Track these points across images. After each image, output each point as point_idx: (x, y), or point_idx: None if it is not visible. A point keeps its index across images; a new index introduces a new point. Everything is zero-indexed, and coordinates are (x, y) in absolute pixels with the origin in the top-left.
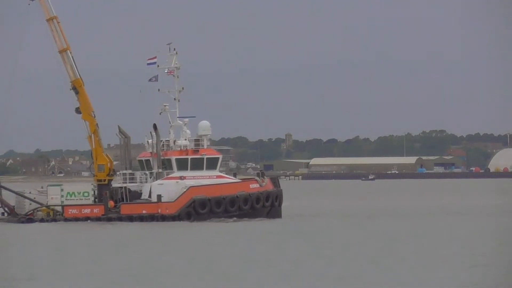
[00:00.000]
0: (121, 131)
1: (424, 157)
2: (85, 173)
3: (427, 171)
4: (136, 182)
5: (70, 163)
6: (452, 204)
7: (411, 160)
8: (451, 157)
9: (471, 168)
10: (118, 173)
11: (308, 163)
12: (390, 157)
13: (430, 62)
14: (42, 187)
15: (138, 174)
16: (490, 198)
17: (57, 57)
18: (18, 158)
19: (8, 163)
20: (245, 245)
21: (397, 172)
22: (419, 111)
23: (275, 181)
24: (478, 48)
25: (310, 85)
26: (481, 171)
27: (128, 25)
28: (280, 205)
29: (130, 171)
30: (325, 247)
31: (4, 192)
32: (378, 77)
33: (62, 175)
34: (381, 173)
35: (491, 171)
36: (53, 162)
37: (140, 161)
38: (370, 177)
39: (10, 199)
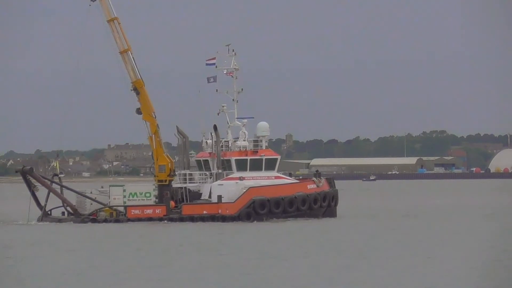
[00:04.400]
0: (179, 131)
1: (424, 158)
2: (86, 174)
3: (428, 172)
4: (195, 183)
5: (71, 163)
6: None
7: (412, 160)
8: (452, 157)
9: (471, 169)
10: (177, 173)
11: (309, 163)
12: (391, 157)
13: (430, 63)
14: (102, 187)
15: (196, 174)
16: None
17: (118, 58)
18: (18, 159)
19: (8, 164)
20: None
21: (397, 172)
22: (420, 111)
23: (330, 181)
24: (478, 49)
25: (310, 86)
26: (481, 171)
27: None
28: (336, 205)
29: (188, 171)
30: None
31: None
32: (378, 78)
33: (62, 175)
34: (382, 173)
35: (491, 171)
36: (53, 163)
37: (198, 161)
38: (371, 178)
39: (70, 198)
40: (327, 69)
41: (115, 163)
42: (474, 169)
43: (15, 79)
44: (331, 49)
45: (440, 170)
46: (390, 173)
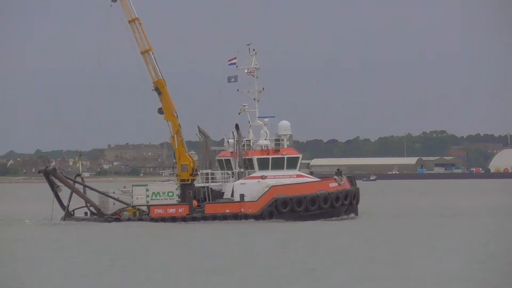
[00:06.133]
0: (200, 131)
1: (424, 158)
2: (86, 174)
3: (428, 172)
4: (217, 182)
5: (71, 163)
6: None
7: (412, 160)
8: (452, 157)
9: (471, 169)
10: (199, 172)
11: (309, 163)
12: (391, 157)
13: (430, 63)
14: (124, 187)
15: (218, 173)
16: None
17: (139, 58)
18: (18, 159)
19: (8, 164)
20: None
21: (397, 172)
22: (420, 111)
23: (351, 179)
24: (478, 48)
25: (310, 85)
26: (481, 171)
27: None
28: (357, 203)
29: (210, 171)
30: None
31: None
32: (379, 78)
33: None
34: (382, 173)
35: (491, 171)
36: (53, 163)
37: (220, 160)
38: (371, 178)
39: (93, 198)
40: (327, 69)
41: (115, 163)
42: (474, 169)
43: (16, 79)
44: (332, 49)
45: (440, 170)
46: (390, 173)
